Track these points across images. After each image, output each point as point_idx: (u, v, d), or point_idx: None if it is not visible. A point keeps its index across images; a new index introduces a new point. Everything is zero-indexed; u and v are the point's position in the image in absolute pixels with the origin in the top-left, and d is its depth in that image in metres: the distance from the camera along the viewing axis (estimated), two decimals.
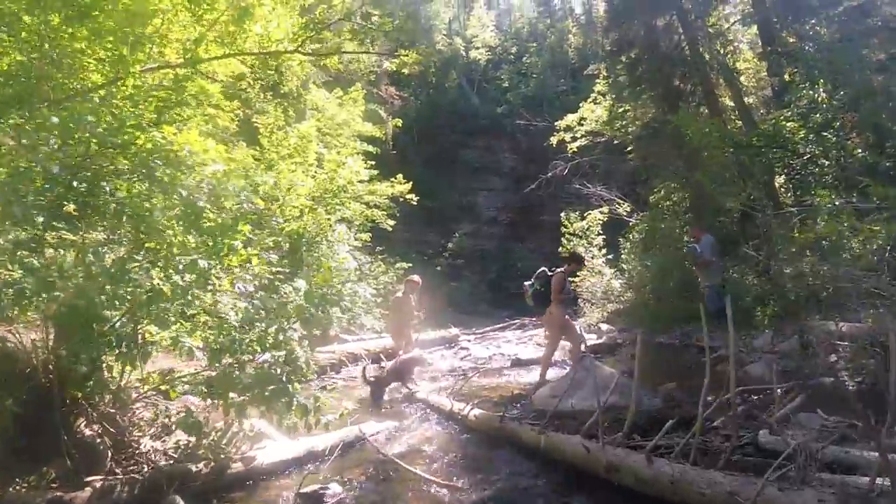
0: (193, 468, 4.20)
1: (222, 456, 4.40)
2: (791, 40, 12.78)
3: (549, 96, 33.42)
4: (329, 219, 11.49)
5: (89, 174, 4.16)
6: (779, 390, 5.16)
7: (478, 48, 37.73)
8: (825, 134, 8.77)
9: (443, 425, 6.28)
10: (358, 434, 5.63)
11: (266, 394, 4.18)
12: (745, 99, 13.69)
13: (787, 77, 10.99)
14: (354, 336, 12.75)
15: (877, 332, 5.42)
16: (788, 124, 9.51)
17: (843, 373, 5.60)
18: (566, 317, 8.11)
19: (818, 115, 8.84)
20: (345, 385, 8.99)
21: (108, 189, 4.07)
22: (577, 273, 16.33)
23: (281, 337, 4.54)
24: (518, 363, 10.03)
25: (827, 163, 8.93)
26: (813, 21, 11.62)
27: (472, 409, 6.07)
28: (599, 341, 11.11)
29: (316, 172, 11.35)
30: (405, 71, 11.53)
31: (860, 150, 8.76)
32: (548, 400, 6.07)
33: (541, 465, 4.80)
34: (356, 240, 14.26)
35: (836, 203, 7.26)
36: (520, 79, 36.54)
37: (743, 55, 14.52)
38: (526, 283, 8.49)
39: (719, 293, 9.78)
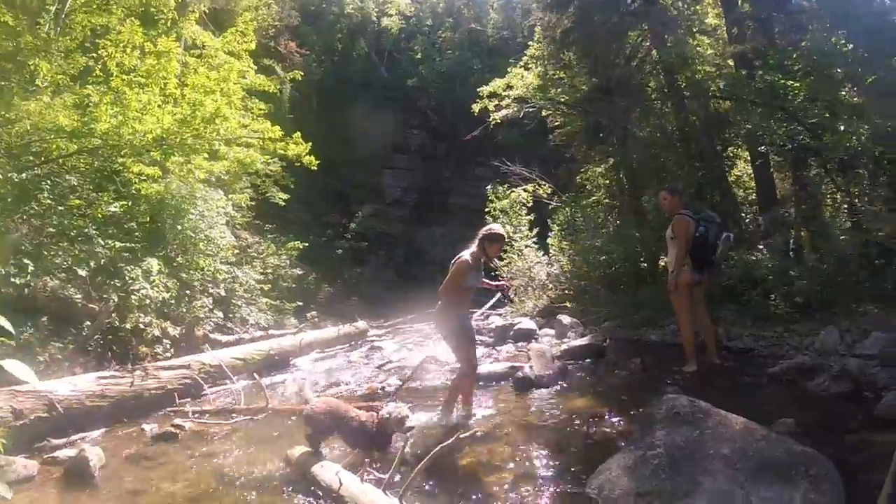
0: None
1: None
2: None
3: (464, 73, 31.21)
4: (190, 166, 8.60)
5: None
6: None
7: (391, 16, 34.72)
8: (843, 93, 6.94)
9: None
10: None
11: None
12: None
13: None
14: (233, 335, 9.87)
15: None
16: (791, 83, 7.64)
17: None
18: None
19: (839, 71, 6.96)
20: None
21: None
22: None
23: None
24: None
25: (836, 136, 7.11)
26: None
27: None
28: (580, 342, 8.19)
29: (174, 109, 8.38)
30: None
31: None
32: None
33: None
34: (234, 207, 11.37)
35: None
36: (434, 53, 34.10)
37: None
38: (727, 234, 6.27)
39: None
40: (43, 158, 8.12)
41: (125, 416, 5.81)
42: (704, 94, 10.06)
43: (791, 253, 8.20)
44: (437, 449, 3.56)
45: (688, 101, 11.30)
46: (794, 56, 7.76)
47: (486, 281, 5.64)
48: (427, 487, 3.79)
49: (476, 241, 5.38)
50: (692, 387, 5.42)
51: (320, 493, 3.70)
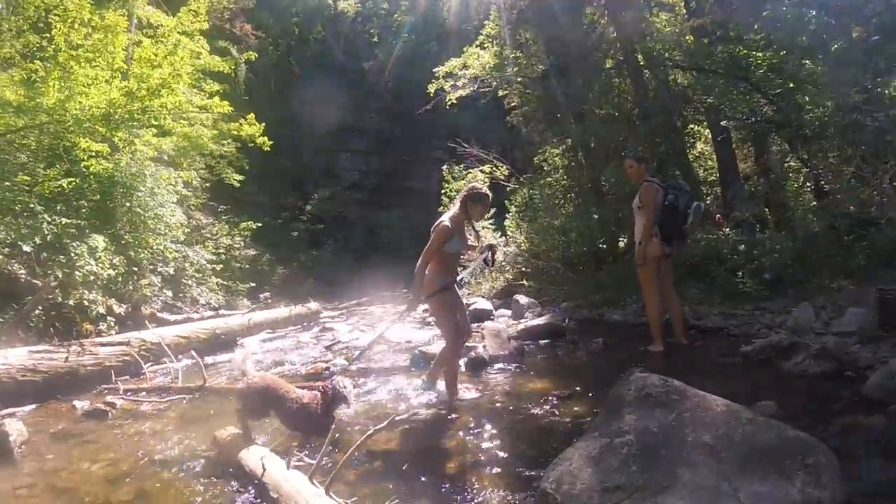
0: None
1: None
2: None
3: (421, 56, 30.90)
4: (136, 139, 8.28)
5: None
6: None
7: None
8: (807, 62, 6.88)
9: None
10: None
11: None
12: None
13: None
14: (181, 314, 9.56)
15: None
16: (753, 53, 7.57)
17: None
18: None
19: (803, 38, 6.87)
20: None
21: None
22: None
23: None
24: (425, 358, 6.12)
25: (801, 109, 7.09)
26: None
27: None
28: (538, 321, 7.87)
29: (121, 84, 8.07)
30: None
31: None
32: None
33: None
34: (187, 187, 11.01)
35: None
36: (390, 35, 33.69)
37: None
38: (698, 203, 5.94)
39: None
40: None
41: (59, 393, 5.52)
42: (664, 68, 9.99)
43: (757, 229, 8.20)
44: (371, 431, 3.22)
45: (647, 77, 11.27)
46: (756, 27, 7.64)
47: (472, 242, 5.15)
48: (361, 476, 3.47)
49: (458, 203, 4.86)
50: (659, 368, 4.94)
51: (244, 479, 3.38)
